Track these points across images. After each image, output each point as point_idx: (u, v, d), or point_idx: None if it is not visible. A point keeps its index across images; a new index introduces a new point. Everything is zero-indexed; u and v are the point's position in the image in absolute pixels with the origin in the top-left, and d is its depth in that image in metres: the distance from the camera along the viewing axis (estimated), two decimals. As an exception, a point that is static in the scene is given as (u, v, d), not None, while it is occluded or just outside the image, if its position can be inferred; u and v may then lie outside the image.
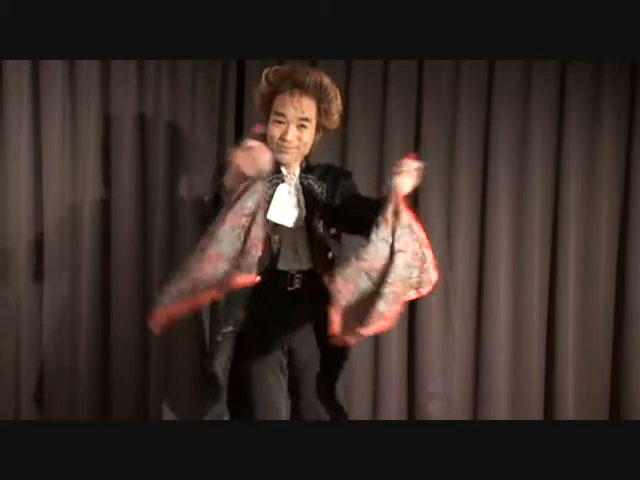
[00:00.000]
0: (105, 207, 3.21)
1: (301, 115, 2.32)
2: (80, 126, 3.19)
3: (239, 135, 3.19)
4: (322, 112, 2.37)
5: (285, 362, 2.47)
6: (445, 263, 3.24)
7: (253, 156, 2.08)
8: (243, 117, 3.19)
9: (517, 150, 3.24)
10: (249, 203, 2.10)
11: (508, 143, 3.23)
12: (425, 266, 2.23)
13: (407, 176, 2.19)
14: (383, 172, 3.19)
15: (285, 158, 2.37)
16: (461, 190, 3.24)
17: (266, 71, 2.38)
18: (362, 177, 3.11)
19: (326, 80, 2.37)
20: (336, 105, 2.40)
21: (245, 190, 2.10)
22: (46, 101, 3.15)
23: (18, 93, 3.13)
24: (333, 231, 2.46)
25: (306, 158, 2.49)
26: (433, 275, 2.27)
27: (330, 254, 2.42)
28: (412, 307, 3.24)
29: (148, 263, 3.22)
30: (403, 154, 3.11)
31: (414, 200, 3.21)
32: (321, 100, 2.35)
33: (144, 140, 3.21)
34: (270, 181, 2.33)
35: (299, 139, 2.35)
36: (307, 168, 2.48)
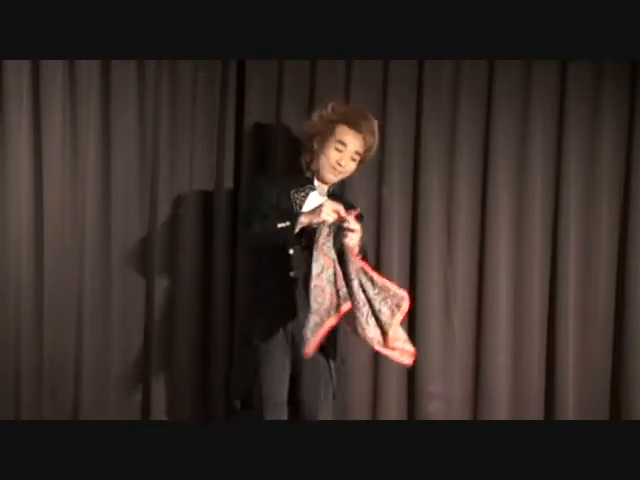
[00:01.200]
0: (105, 207, 3.21)
1: (357, 150, 2.67)
2: (80, 126, 3.19)
3: (239, 135, 3.19)
4: (368, 149, 2.71)
5: (290, 354, 2.60)
6: (445, 263, 3.24)
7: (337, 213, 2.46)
8: (243, 117, 3.19)
9: (517, 150, 3.23)
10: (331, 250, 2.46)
11: (508, 143, 3.23)
12: (391, 292, 2.53)
13: (355, 234, 2.50)
14: (383, 172, 3.19)
15: (332, 179, 2.71)
16: (461, 190, 3.23)
17: (333, 103, 2.70)
18: (362, 178, 3.11)
19: (376, 124, 2.73)
20: (376, 144, 2.74)
21: (326, 237, 2.45)
22: (46, 101, 3.15)
23: (18, 93, 3.13)
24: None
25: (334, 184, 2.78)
26: (401, 292, 2.57)
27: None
28: (412, 307, 3.23)
29: (149, 262, 3.22)
30: (403, 154, 3.22)
31: (414, 200, 3.23)
32: (370, 140, 2.69)
33: (144, 140, 3.21)
34: (304, 189, 2.70)
35: (350, 168, 2.70)
36: (334, 193, 2.78)
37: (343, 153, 2.64)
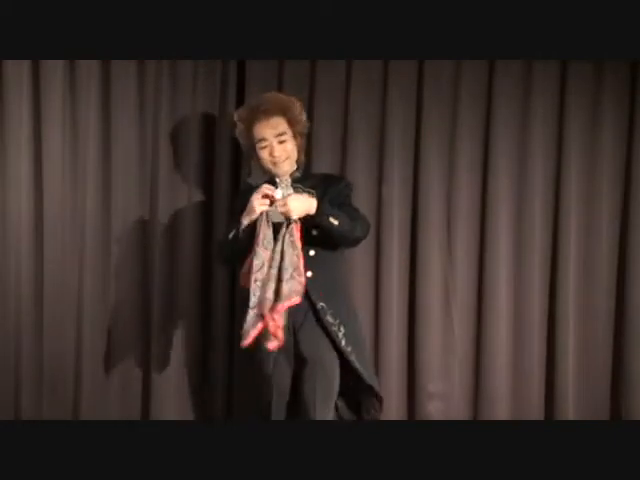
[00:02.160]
0: (105, 207, 3.21)
1: (277, 132, 2.66)
2: (80, 126, 3.20)
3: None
4: (292, 122, 2.69)
5: (292, 350, 2.61)
6: (445, 263, 3.24)
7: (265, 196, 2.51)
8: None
9: (518, 145, 3.23)
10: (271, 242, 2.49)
11: (509, 138, 3.22)
12: (298, 279, 2.49)
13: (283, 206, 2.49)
14: (383, 172, 3.20)
15: (280, 170, 2.67)
16: (461, 190, 3.23)
17: (236, 112, 2.76)
18: (362, 177, 3.12)
19: (280, 96, 2.78)
20: (298, 110, 2.72)
21: (264, 230, 2.49)
22: (46, 101, 3.15)
23: (18, 93, 3.13)
24: (314, 232, 2.59)
25: (299, 169, 2.76)
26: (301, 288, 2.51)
27: (312, 252, 2.62)
28: (412, 307, 3.24)
29: (149, 262, 3.22)
30: (403, 152, 3.22)
31: (414, 199, 3.23)
32: (285, 113, 2.67)
33: (144, 140, 3.21)
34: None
35: (285, 151, 2.68)
36: (302, 177, 2.74)
37: (268, 146, 2.65)
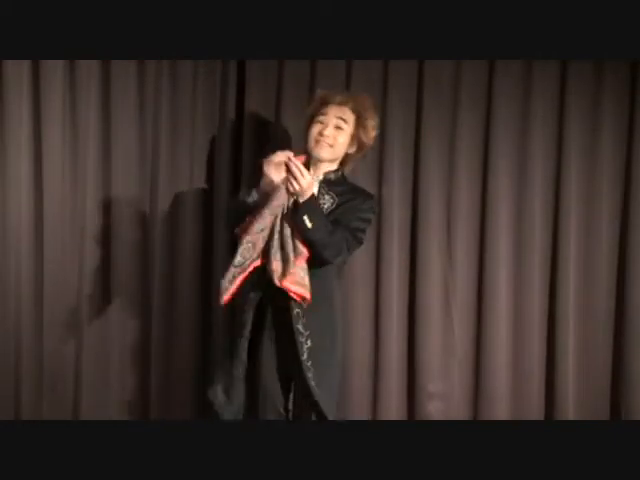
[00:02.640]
0: (105, 207, 3.22)
1: (340, 115, 2.56)
2: (80, 126, 3.20)
3: (239, 135, 3.19)
4: (359, 124, 2.59)
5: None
6: (445, 263, 3.24)
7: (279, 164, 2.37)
8: (243, 117, 3.19)
9: (517, 146, 3.23)
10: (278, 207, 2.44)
11: (508, 143, 3.22)
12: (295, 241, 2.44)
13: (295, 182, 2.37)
14: (383, 172, 3.19)
15: (320, 153, 2.56)
16: (461, 189, 3.23)
17: (319, 91, 2.69)
18: (362, 177, 3.11)
19: (369, 100, 2.66)
20: (373, 122, 2.63)
21: (273, 194, 2.41)
22: (46, 101, 3.16)
23: (18, 93, 3.14)
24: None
25: (338, 171, 2.64)
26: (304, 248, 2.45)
27: None
28: (412, 307, 3.24)
29: (149, 262, 3.22)
30: (403, 152, 3.22)
31: (414, 199, 3.23)
32: (360, 113, 2.59)
33: (144, 140, 3.21)
34: None
35: (334, 138, 2.56)
36: (333, 181, 2.61)
37: (324, 123, 2.56)
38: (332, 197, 2.55)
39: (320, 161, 2.58)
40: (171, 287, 3.22)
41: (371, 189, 3.18)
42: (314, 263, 2.47)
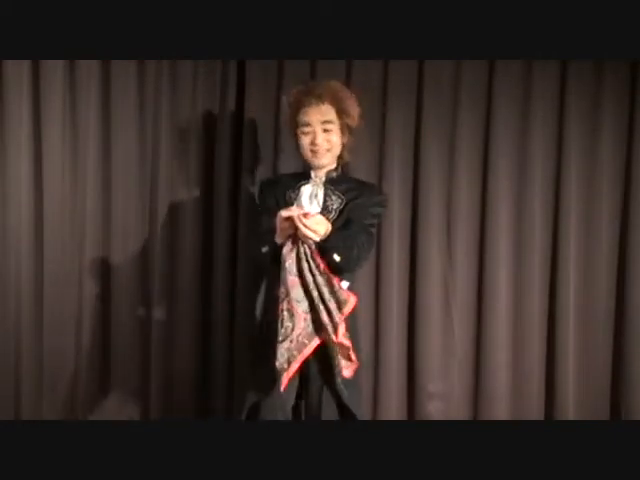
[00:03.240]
0: (105, 207, 3.22)
1: (325, 119, 2.51)
2: (80, 126, 3.20)
3: (239, 135, 3.19)
4: (342, 114, 2.54)
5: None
6: (445, 263, 3.24)
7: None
8: (243, 117, 3.19)
9: (517, 146, 3.23)
10: (293, 264, 2.32)
11: (508, 143, 3.22)
12: (335, 289, 2.33)
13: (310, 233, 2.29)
14: (383, 172, 3.20)
15: (320, 162, 2.54)
16: (461, 190, 3.24)
17: (287, 95, 2.60)
18: (362, 176, 3.11)
19: (338, 84, 2.57)
20: (352, 103, 2.56)
21: (286, 258, 2.30)
22: (46, 101, 3.16)
23: (18, 93, 3.14)
24: None
25: (340, 167, 2.61)
26: (345, 295, 2.35)
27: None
28: (412, 307, 3.24)
29: (149, 262, 3.23)
30: (403, 152, 3.22)
31: (414, 200, 3.23)
32: (338, 102, 2.53)
33: (144, 140, 3.21)
34: (298, 184, 2.55)
35: (328, 142, 2.53)
36: (337, 179, 2.58)
37: (311, 132, 2.51)
38: (339, 197, 2.53)
39: (320, 168, 2.56)
40: (171, 287, 3.22)
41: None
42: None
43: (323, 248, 2.33)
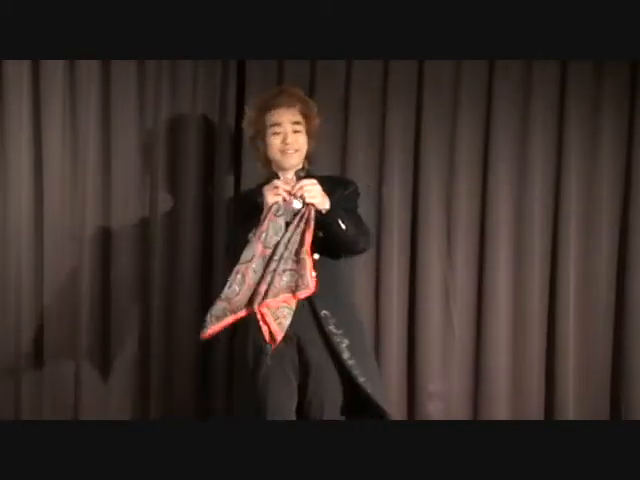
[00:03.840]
0: (105, 207, 3.22)
1: (293, 119, 2.55)
2: (80, 126, 3.20)
3: (239, 135, 3.19)
4: (307, 118, 2.59)
5: (297, 360, 2.48)
6: (445, 263, 3.24)
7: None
8: (243, 117, 3.18)
9: (517, 150, 3.23)
10: (273, 237, 2.35)
11: (508, 145, 3.22)
12: (302, 272, 2.35)
13: (311, 191, 2.37)
14: (383, 172, 3.19)
15: (289, 162, 2.56)
16: (461, 189, 3.23)
17: (250, 102, 2.70)
18: (362, 177, 3.11)
19: (297, 90, 2.66)
20: (313, 108, 2.63)
21: (268, 222, 2.34)
22: (46, 101, 3.15)
23: (18, 93, 3.14)
24: (320, 234, 2.44)
25: (304, 168, 2.61)
26: (310, 282, 2.36)
27: (316, 256, 2.46)
28: (412, 307, 3.24)
29: (149, 262, 3.22)
30: (403, 153, 3.21)
31: (414, 200, 3.23)
32: (304, 107, 2.59)
33: (144, 140, 3.21)
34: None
35: (297, 142, 2.56)
36: (306, 177, 2.55)
37: (283, 132, 2.53)
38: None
39: (290, 169, 2.58)
40: (171, 287, 3.22)
41: (371, 188, 3.20)
42: (353, 254, 2.55)
43: (326, 218, 2.37)
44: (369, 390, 2.45)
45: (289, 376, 2.47)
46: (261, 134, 2.58)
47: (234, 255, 2.43)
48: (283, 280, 2.35)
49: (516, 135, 3.22)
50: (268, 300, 2.34)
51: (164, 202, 3.21)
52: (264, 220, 2.35)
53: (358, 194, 2.65)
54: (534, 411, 3.26)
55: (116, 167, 3.21)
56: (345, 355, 2.42)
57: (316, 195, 2.37)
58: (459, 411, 3.26)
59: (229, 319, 2.37)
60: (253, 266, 2.34)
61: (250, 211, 2.49)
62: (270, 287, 2.34)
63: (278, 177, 2.55)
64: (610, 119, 3.22)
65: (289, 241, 2.34)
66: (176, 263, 3.22)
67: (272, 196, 2.38)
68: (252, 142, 2.67)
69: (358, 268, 3.17)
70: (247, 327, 2.48)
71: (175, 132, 3.20)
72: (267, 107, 2.56)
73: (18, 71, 3.12)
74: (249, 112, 2.64)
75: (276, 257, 2.34)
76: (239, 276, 2.34)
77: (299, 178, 2.53)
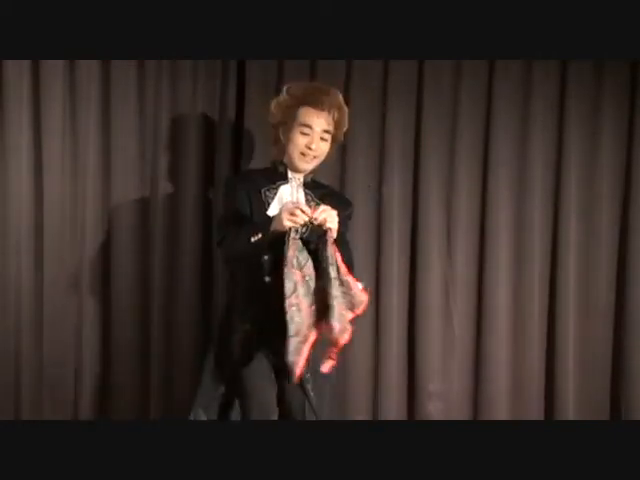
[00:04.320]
0: (105, 207, 3.22)
1: (325, 128, 2.51)
2: (80, 126, 3.19)
3: (239, 135, 3.19)
4: (337, 124, 2.56)
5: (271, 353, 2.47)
6: (445, 263, 3.24)
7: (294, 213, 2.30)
8: (243, 117, 3.19)
9: (517, 149, 3.23)
10: (300, 258, 2.32)
11: (508, 145, 3.23)
12: (352, 292, 2.35)
13: (329, 220, 2.33)
14: (383, 172, 3.20)
15: (305, 166, 2.55)
16: (461, 189, 3.24)
17: (288, 85, 2.58)
18: (362, 177, 3.12)
19: (341, 97, 2.59)
20: (346, 119, 2.60)
21: (293, 247, 2.30)
22: (46, 101, 3.15)
23: (18, 93, 3.13)
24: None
25: (312, 173, 2.62)
26: (362, 296, 2.38)
27: None
28: (412, 307, 3.24)
29: (149, 262, 3.22)
30: (403, 153, 3.22)
31: (414, 200, 3.23)
32: (339, 114, 2.54)
33: (144, 140, 3.21)
34: (275, 184, 2.54)
35: (320, 150, 2.53)
36: (312, 183, 2.61)
37: (310, 136, 2.49)
38: (317, 203, 2.50)
39: (302, 172, 2.57)
40: (171, 286, 3.22)
41: (371, 188, 3.21)
42: None
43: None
44: (313, 404, 2.46)
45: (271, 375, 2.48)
46: (288, 126, 2.53)
47: (231, 247, 2.43)
48: (338, 307, 2.32)
49: (516, 135, 3.23)
50: (333, 322, 2.30)
51: (164, 202, 3.21)
52: (288, 247, 2.30)
53: (351, 217, 2.66)
54: (534, 411, 3.26)
55: (116, 167, 3.21)
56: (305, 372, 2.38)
57: (333, 220, 2.33)
58: (459, 411, 3.26)
59: (306, 350, 2.31)
60: (301, 293, 2.30)
61: (252, 198, 2.48)
62: (327, 315, 2.31)
63: (284, 168, 2.55)
64: (610, 119, 3.23)
65: (325, 270, 2.31)
66: (176, 263, 3.22)
67: (289, 222, 2.30)
68: (275, 127, 2.59)
69: (358, 268, 3.17)
70: (232, 315, 2.50)
71: (175, 132, 3.20)
72: (305, 101, 2.50)
73: (18, 71, 3.12)
74: (284, 97, 2.55)
75: (321, 282, 2.32)
76: (294, 308, 2.29)
77: (307, 184, 2.57)
